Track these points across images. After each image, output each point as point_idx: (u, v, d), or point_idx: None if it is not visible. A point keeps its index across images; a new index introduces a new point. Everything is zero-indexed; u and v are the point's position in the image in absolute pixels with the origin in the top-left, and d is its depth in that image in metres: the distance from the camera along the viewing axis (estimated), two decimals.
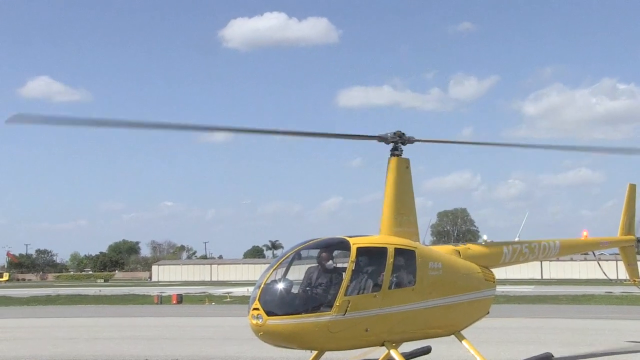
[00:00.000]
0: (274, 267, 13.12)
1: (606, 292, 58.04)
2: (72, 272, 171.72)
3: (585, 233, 20.68)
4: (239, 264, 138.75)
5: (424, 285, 14.01)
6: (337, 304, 12.50)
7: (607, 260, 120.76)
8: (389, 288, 13.34)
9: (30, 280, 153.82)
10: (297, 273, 13.12)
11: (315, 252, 13.39)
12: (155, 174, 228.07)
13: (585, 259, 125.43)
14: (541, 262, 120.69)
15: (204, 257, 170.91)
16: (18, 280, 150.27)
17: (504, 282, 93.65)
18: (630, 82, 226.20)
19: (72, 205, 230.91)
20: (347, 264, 12.83)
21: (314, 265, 13.14)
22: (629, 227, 22.30)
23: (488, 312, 16.37)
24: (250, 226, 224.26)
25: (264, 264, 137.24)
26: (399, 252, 13.67)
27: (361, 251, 13.13)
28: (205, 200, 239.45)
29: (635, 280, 22.58)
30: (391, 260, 13.38)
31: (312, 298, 12.76)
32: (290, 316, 12.45)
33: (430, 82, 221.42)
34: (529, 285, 79.32)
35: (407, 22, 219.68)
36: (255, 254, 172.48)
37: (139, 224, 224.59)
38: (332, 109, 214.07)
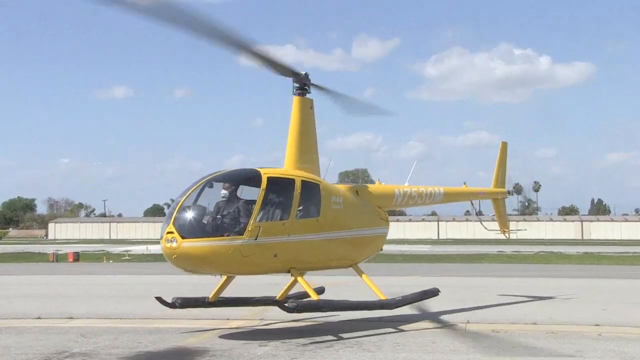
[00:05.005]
0: (187, 194, 13.59)
1: (498, 251, 60.61)
2: None
3: (464, 184, 22.54)
4: (139, 222, 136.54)
5: (327, 218, 14.95)
6: (249, 229, 13.23)
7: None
8: (296, 217, 14.21)
9: None
10: (210, 200, 13.70)
11: (227, 181, 13.94)
12: (51, 130, 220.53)
13: (480, 220, 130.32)
14: (438, 222, 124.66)
15: (103, 215, 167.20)
16: None
17: (403, 241, 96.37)
18: (526, 47, 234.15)
19: None
20: (259, 192, 13.53)
21: (226, 192, 13.70)
22: (501, 181, 24.19)
23: (381, 249, 17.90)
24: (151, 184, 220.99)
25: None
26: (305, 184, 14.50)
27: (271, 181, 13.87)
28: (105, 157, 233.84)
29: (505, 231, 24.71)
30: (298, 191, 14.21)
31: (226, 223, 13.34)
32: (205, 239, 13.06)
33: (333, 42, 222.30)
34: (425, 245, 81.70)
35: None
36: (155, 212, 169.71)
37: (35, 180, 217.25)
38: (233, 67, 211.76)
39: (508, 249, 62.01)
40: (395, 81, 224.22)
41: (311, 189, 14.74)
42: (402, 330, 15.76)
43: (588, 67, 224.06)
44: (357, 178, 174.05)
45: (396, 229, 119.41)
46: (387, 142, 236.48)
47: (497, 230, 24.99)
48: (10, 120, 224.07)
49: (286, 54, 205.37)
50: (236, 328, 16.49)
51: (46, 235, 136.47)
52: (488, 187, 23.79)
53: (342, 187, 16.59)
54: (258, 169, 14.19)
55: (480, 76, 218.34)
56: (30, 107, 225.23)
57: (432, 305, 19.61)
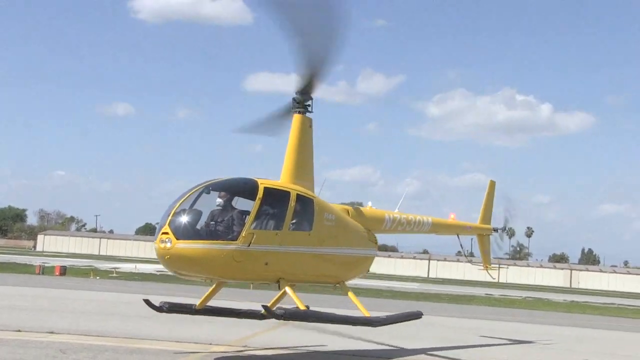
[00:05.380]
0: (184, 198, 13.75)
1: (486, 294, 60.45)
2: None
3: (452, 215, 22.65)
4: (130, 239, 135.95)
5: (319, 233, 15.14)
6: (243, 235, 13.36)
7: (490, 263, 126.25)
8: (289, 229, 14.40)
9: None
10: (207, 204, 13.83)
11: (224, 187, 14.16)
12: (48, 142, 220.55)
13: (471, 262, 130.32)
14: (429, 260, 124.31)
15: (94, 231, 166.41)
16: None
17: (391, 277, 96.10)
18: (529, 94, 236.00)
19: None
20: (255, 201, 13.76)
21: (222, 199, 13.93)
22: (487, 218, 24.66)
23: (368, 270, 18.06)
24: (145, 203, 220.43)
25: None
26: (300, 197, 14.73)
27: (267, 191, 14.06)
28: (101, 172, 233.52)
29: (487, 267, 25.03)
30: (293, 204, 14.41)
31: (221, 227, 13.54)
32: (199, 241, 13.17)
33: (339, 74, 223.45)
34: (414, 283, 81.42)
35: None
36: (147, 231, 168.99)
37: (27, 191, 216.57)
38: (239, 92, 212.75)
39: (496, 293, 61.85)
40: (398, 117, 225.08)
41: (305, 203, 14.97)
42: None
43: (588, 118, 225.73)
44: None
45: (387, 265, 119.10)
46: (384, 176, 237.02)
47: (480, 266, 25.19)
48: (8, 128, 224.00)
49: (290, 82, 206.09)
50: (218, 353, 16.37)
51: (34, 246, 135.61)
52: (475, 223, 23.99)
53: (335, 206, 16.76)
54: (256, 179, 14.34)
55: (482, 119, 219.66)
56: (30, 117, 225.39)
57: (418, 343, 19.49)
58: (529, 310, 44.04)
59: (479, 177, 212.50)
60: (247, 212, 13.73)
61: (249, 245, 13.44)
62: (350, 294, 15.92)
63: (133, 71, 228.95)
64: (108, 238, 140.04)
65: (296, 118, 15.73)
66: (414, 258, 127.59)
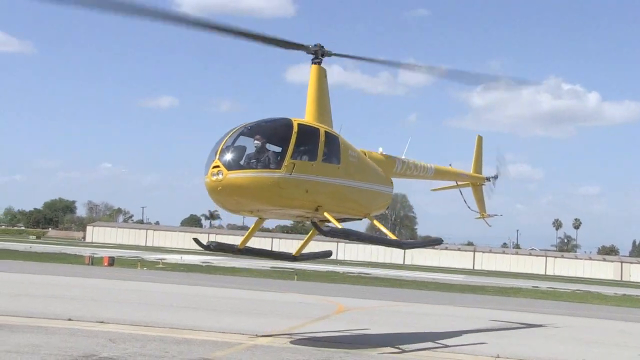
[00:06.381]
0: (228, 136, 15.03)
1: (533, 286, 59.62)
2: (3, 227, 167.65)
3: (450, 164, 24.53)
4: (175, 231, 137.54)
5: (346, 166, 16.68)
6: (285, 164, 14.76)
7: (537, 255, 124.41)
8: (322, 161, 15.83)
9: None
10: (248, 141, 15.03)
11: (263, 126, 15.52)
12: (95, 135, 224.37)
13: (517, 253, 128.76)
14: (474, 252, 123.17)
15: (141, 222, 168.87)
16: None
17: (435, 269, 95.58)
18: (575, 83, 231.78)
19: (9, 160, 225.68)
20: (291, 135, 15.07)
21: (262, 135, 15.07)
22: (479, 170, 26.62)
23: (388, 207, 19.50)
24: (190, 195, 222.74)
25: (201, 233, 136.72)
26: (328, 134, 16.23)
27: (301, 128, 15.48)
28: (146, 165, 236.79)
29: (483, 214, 26.24)
30: (323, 139, 15.86)
31: (266, 158, 14.79)
32: (248, 170, 14.50)
33: (380, 65, 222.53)
34: (460, 275, 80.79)
35: (364, 3, 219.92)
36: (192, 222, 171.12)
37: (76, 183, 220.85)
38: (280, 84, 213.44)
39: (544, 285, 60.96)
40: (439, 108, 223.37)
41: (333, 139, 16.41)
42: None
43: (637, 107, 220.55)
44: (396, 202, 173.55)
45: (431, 257, 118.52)
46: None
47: (477, 215, 26.23)
48: (58, 122, 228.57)
49: (331, 74, 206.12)
50: (264, 344, 16.44)
51: (84, 237, 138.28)
52: (469, 172, 25.82)
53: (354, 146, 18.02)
54: (290, 118, 15.70)
55: (526, 109, 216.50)
56: (78, 111, 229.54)
57: (467, 336, 19.28)
58: (578, 303, 43.19)
59: (523, 168, 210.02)
60: (286, 146, 14.99)
61: (290, 174, 14.80)
62: (375, 221, 17.73)
63: (176, 64, 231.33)
64: (154, 229, 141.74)
65: (314, 69, 17.11)
66: (459, 250, 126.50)
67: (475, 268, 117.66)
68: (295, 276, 49.13)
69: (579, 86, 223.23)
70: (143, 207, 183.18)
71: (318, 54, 17.09)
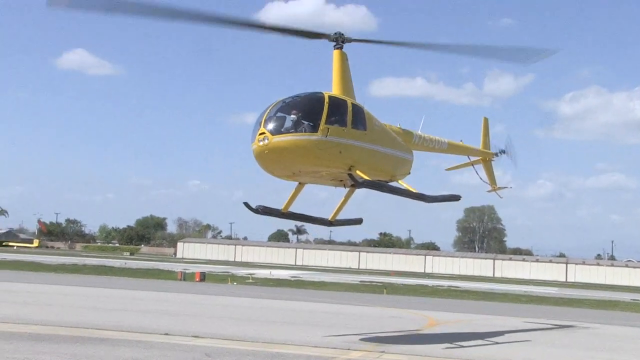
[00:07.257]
0: (269, 108, 16.99)
1: (632, 299, 57.34)
2: (99, 243, 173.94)
3: (461, 139, 26.09)
4: (263, 246, 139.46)
5: (372, 132, 18.64)
6: (321, 128, 16.82)
7: (634, 267, 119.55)
8: (351, 127, 17.80)
9: (58, 248, 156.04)
10: (290, 110, 16.97)
11: (300, 97, 17.55)
12: (184, 153, 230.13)
13: (613, 265, 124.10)
14: (567, 264, 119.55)
15: (229, 238, 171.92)
16: (47, 247, 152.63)
17: (527, 282, 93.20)
18: None
19: (103, 178, 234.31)
20: (324, 105, 17.13)
21: (300, 105, 17.18)
22: (487, 146, 28.65)
23: (409, 173, 21.15)
24: None
25: (288, 247, 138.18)
26: (354, 105, 18.29)
27: (332, 99, 17.60)
28: (233, 181, 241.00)
29: (494, 187, 27.98)
30: (350, 108, 17.93)
31: (304, 123, 16.78)
32: (290, 134, 16.50)
33: (465, 76, 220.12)
34: (552, 287, 78.57)
35: (446, 15, 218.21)
36: (279, 237, 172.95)
37: (166, 200, 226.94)
38: (365, 98, 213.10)
39: None
40: (526, 118, 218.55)
41: (359, 109, 18.40)
42: None
43: None
44: (483, 214, 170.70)
45: (522, 270, 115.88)
46: (515, 179, 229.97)
47: (489, 188, 27.91)
48: (149, 141, 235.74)
49: (415, 87, 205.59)
50: (356, 359, 16.42)
51: (175, 253, 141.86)
52: (478, 147, 27.81)
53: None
54: (324, 92, 17.67)
55: (618, 116, 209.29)
56: (167, 129, 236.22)
57: (560, 352, 18.70)
58: None
59: (617, 177, 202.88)
60: (320, 114, 16.95)
61: (326, 136, 16.83)
62: (400, 181, 19.96)
63: (260, 81, 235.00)
64: (242, 245, 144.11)
65: (337, 53, 18.99)
66: (550, 262, 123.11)
67: (568, 280, 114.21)
68: (385, 290, 48.94)
69: None
70: (231, 223, 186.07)
71: (339, 41, 18.97)
